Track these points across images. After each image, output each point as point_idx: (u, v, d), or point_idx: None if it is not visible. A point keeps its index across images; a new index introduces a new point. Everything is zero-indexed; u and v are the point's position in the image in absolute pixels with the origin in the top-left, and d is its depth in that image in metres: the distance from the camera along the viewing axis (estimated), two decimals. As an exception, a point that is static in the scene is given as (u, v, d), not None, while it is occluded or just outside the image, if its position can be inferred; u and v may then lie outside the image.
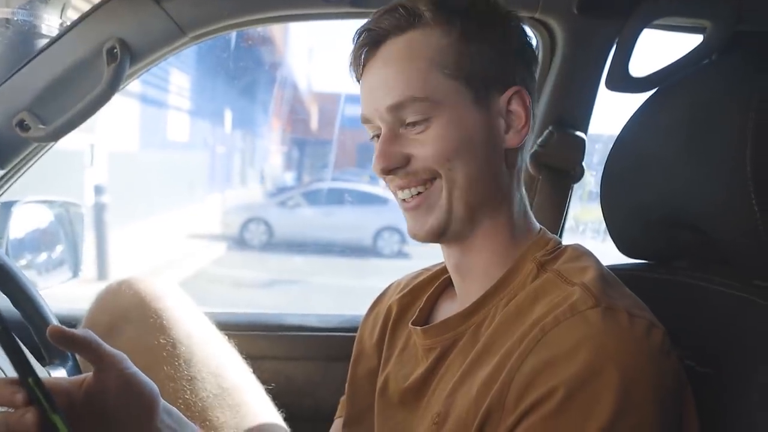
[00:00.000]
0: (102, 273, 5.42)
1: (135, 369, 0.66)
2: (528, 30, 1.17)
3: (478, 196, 0.77)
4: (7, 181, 1.16)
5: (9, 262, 0.99)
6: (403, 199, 0.79)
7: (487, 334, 0.74)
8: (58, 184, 1.35)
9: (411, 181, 0.77)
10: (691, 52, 1.09)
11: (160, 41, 1.03)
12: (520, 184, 0.82)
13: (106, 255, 5.68)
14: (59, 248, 1.47)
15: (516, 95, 0.78)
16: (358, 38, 0.80)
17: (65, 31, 1.02)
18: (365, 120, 0.80)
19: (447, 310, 0.87)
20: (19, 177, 1.17)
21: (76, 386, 0.64)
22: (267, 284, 7.15)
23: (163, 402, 0.68)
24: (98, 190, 6.52)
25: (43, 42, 1.09)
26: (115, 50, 1.01)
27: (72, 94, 1.04)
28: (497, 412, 0.67)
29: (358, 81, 0.82)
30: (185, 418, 0.71)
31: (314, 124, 15.02)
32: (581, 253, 0.77)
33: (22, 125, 1.05)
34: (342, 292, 6.67)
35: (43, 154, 1.16)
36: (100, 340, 0.65)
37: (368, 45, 0.79)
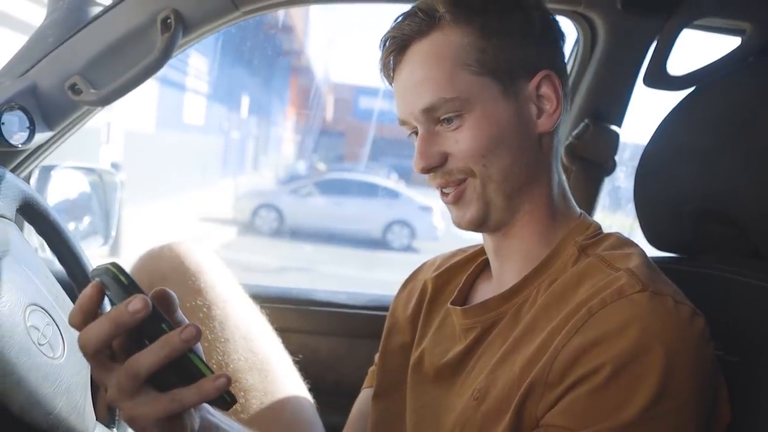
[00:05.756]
0: (115, 248, 5.46)
1: None
2: (569, 23, 1.20)
3: (515, 185, 0.79)
4: (54, 143, 1.18)
5: (57, 219, 1.02)
6: (444, 193, 0.82)
7: (529, 316, 0.76)
8: (74, 159, 1.38)
9: (447, 181, 0.80)
10: (729, 53, 1.11)
11: (214, 14, 1.05)
12: (557, 167, 0.84)
13: (120, 232, 5.72)
14: (92, 214, 1.51)
15: (545, 79, 0.79)
16: (384, 45, 0.82)
17: (122, -1, 1.05)
18: (402, 122, 0.83)
19: (485, 291, 0.89)
20: (64, 140, 1.20)
21: None
22: (276, 271, 7.19)
23: None
24: (114, 168, 6.56)
25: (97, 9, 1.12)
26: (169, 20, 1.04)
27: (124, 61, 1.07)
28: (539, 387, 0.69)
29: (391, 86, 0.84)
30: None
31: (330, 114, 15.05)
32: (624, 242, 0.79)
33: (74, 89, 1.08)
34: (350, 283, 6.70)
35: (89, 119, 1.19)
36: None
37: (395, 50, 0.81)
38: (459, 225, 0.83)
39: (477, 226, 0.81)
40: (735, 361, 0.78)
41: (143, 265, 1.15)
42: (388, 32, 0.82)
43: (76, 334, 0.89)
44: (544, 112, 0.80)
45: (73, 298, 1.01)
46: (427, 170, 0.80)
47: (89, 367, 0.89)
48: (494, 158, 0.77)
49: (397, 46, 0.81)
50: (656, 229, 0.99)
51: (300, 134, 14.58)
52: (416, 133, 0.82)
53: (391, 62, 0.82)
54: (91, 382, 0.88)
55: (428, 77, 0.77)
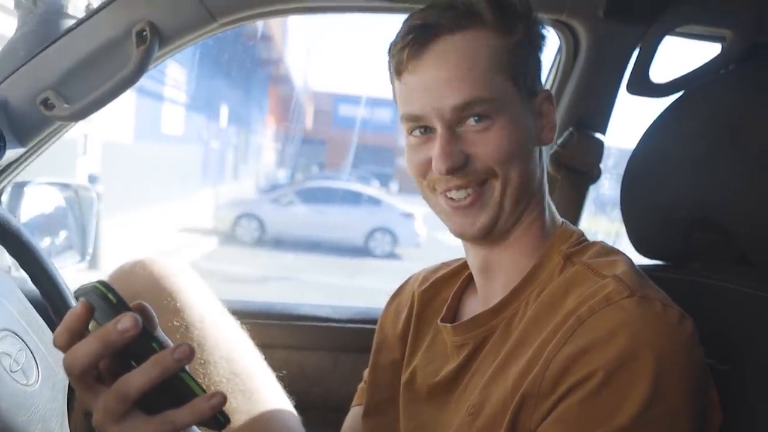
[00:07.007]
0: (93, 262, 5.37)
1: None
2: (552, 31, 1.20)
3: (525, 193, 0.78)
4: (26, 159, 1.15)
5: (30, 239, 0.99)
6: (452, 198, 0.78)
7: (520, 328, 0.75)
8: (50, 171, 1.35)
9: (469, 181, 0.77)
10: (711, 60, 1.12)
11: (190, 26, 1.03)
12: (546, 179, 0.84)
13: (98, 244, 5.64)
14: (68, 230, 1.47)
15: (547, 98, 0.81)
16: (406, 32, 0.77)
17: (95, 11, 1.02)
18: (414, 118, 0.78)
19: (473, 306, 0.87)
20: (38, 156, 1.17)
21: None
22: (258, 280, 7.15)
23: None
24: (91, 180, 6.49)
25: (69, 22, 1.09)
26: (145, 33, 1.01)
27: (98, 75, 1.04)
28: (532, 398, 0.68)
29: (399, 76, 0.79)
30: None
31: (309, 122, 15.03)
32: (610, 250, 0.79)
33: (46, 103, 1.05)
34: (333, 291, 6.68)
35: (63, 134, 1.16)
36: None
37: (419, 40, 0.76)
38: (464, 233, 0.79)
39: (485, 233, 0.78)
40: (723, 370, 0.78)
41: (115, 283, 1.10)
42: (414, 20, 0.77)
43: (51, 359, 0.87)
44: (545, 127, 0.81)
45: (48, 320, 0.98)
46: (452, 170, 0.75)
47: (65, 392, 0.86)
48: (515, 163, 0.76)
49: (422, 34, 0.75)
50: (644, 237, 0.98)
51: (280, 143, 14.54)
52: (423, 132, 0.78)
53: (414, 52, 0.76)
54: (67, 408, 0.85)
55: (466, 75, 0.74)
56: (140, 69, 1.02)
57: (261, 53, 10.52)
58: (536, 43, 0.80)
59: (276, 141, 14.92)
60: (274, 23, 10.39)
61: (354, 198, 10.08)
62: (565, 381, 0.66)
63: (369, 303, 1.43)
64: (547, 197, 0.83)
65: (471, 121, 0.75)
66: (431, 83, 0.75)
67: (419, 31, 0.76)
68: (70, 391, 0.86)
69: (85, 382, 0.57)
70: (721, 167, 0.83)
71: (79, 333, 0.57)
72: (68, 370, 0.57)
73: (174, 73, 9.74)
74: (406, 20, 0.78)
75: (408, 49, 0.76)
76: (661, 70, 1.13)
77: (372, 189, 10.96)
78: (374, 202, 10.00)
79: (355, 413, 1.02)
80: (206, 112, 12.38)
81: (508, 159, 0.76)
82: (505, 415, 0.69)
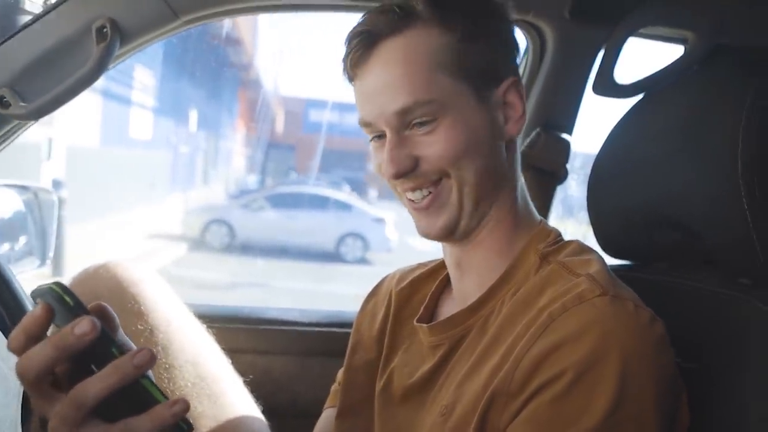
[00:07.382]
0: (57, 269, 5.25)
1: None
2: (518, 32, 1.20)
3: (486, 190, 0.78)
4: (-19, 160, 1.11)
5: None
6: (412, 200, 0.79)
7: (495, 326, 0.74)
8: (13, 176, 1.31)
9: (422, 182, 0.77)
10: (674, 62, 1.13)
11: (152, 23, 1.01)
12: (519, 174, 0.83)
13: (63, 251, 5.52)
14: (27, 235, 1.43)
15: (512, 86, 0.79)
16: (351, 39, 0.77)
17: (53, 6, 0.99)
18: (366, 124, 0.79)
19: (450, 306, 0.87)
20: (-7, 156, 1.13)
21: None
22: (228, 287, 7.07)
23: None
24: (56, 185, 6.35)
25: (26, 18, 1.06)
26: (105, 30, 0.99)
27: (57, 73, 1.01)
28: (502, 397, 0.67)
29: (351, 83, 0.80)
30: None
31: (280, 127, 14.96)
32: (584, 249, 0.79)
33: (2, 102, 1.02)
34: (304, 297, 6.64)
35: (20, 134, 1.12)
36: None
37: (363, 46, 0.76)
38: (428, 234, 0.79)
39: (448, 233, 0.78)
40: (690, 368, 0.78)
41: (77, 287, 1.07)
42: (357, 27, 0.77)
43: (4, 364, 0.83)
44: (510, 118, 0.79)
45: (2, 324, 0.95)
46: (398, 176, 0.76)
47: (19, 399, 0.83)
48: (468, 162, 0.75)
49: (366, 40, 0.76)
50: (610, 237, 0.99)
51: (250, 148, 14.44)
52: (379, 137, 0.78)
53: (357, 59, 0.77)
54: (21, 415, 0.82)
55: (404, 77, 0.74)
56: (100, 67, 1.00)
57: (231, 56, 10.45)
58: (491, 30, 0.78)
59: (246, 146, 14.82)
60: (244, 26, 10.32)
61: (325, 203, 10.05)
62: (536, 379, 0.65)
63: (340, 308, 1.41)
64: (520, 190, 0.82)
65: (417, 125, 0.75)
66: (376, 89, 0.76)
67: (361, 37, 0.76)
68: (26, 396, 0.83)
69: (40, 388, 0.55)
70: (683, 168, 0.84)
71: (36, 336, 0.55)
72: (21, 375, 0.54)
73: (142, 77, 9.61)
74: (352, 29, 0.78)
75: (352, 55, 0.77)
76: (626, 72, 1.14)
77: (343, 194, 10.93)
78: (345, 207, 9.98)
79: (328, 415, 1.01)
80: (175, 116, 12.25)
81: (459, 158, 0.75)
82: (475, 414, 0.68)
